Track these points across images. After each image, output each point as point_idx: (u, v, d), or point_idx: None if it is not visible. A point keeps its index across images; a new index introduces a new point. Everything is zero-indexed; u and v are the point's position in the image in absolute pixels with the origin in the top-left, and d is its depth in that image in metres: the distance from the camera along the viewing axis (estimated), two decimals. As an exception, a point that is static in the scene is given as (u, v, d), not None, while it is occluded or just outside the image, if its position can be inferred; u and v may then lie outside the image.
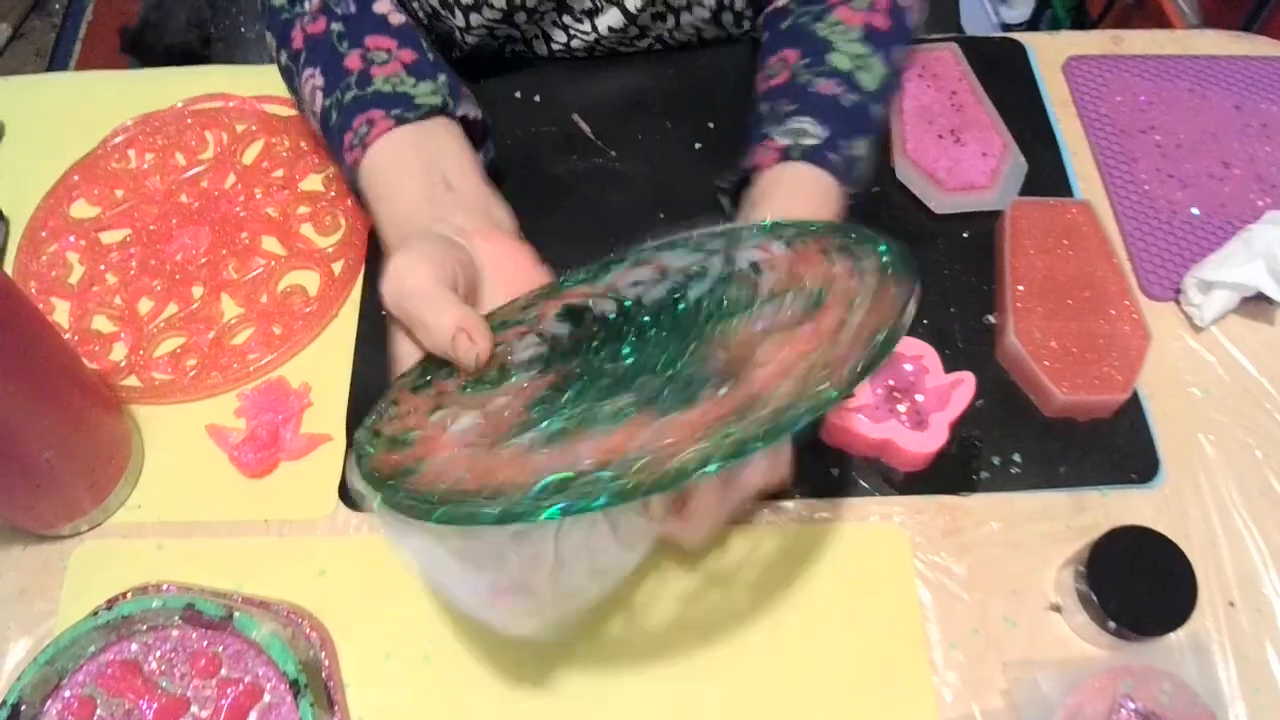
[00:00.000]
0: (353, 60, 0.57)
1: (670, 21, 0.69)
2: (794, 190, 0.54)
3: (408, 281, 0.44)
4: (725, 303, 0.42)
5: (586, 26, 0.69)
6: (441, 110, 0.56)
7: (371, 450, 0.42)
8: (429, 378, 0.45)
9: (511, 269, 0.50)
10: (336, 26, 0.58)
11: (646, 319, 0.44)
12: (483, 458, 0.38)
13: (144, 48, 0.90)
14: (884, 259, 0.41)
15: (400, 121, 0.54)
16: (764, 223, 0.47)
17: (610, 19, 0.68)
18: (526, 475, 0.35)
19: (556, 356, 0.43)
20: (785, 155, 0.54)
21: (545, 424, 0.38)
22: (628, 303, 0.45)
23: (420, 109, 0.55)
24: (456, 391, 0.44)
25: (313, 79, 0.58)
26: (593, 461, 0.34)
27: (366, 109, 0.55)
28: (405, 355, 0.47)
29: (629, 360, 0.41)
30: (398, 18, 0.60)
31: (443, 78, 0.58)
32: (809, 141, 0.54)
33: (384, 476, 0.39)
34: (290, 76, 0.62)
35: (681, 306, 0.43)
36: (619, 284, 0.47)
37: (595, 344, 0.43)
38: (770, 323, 0.40)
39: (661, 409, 0.36)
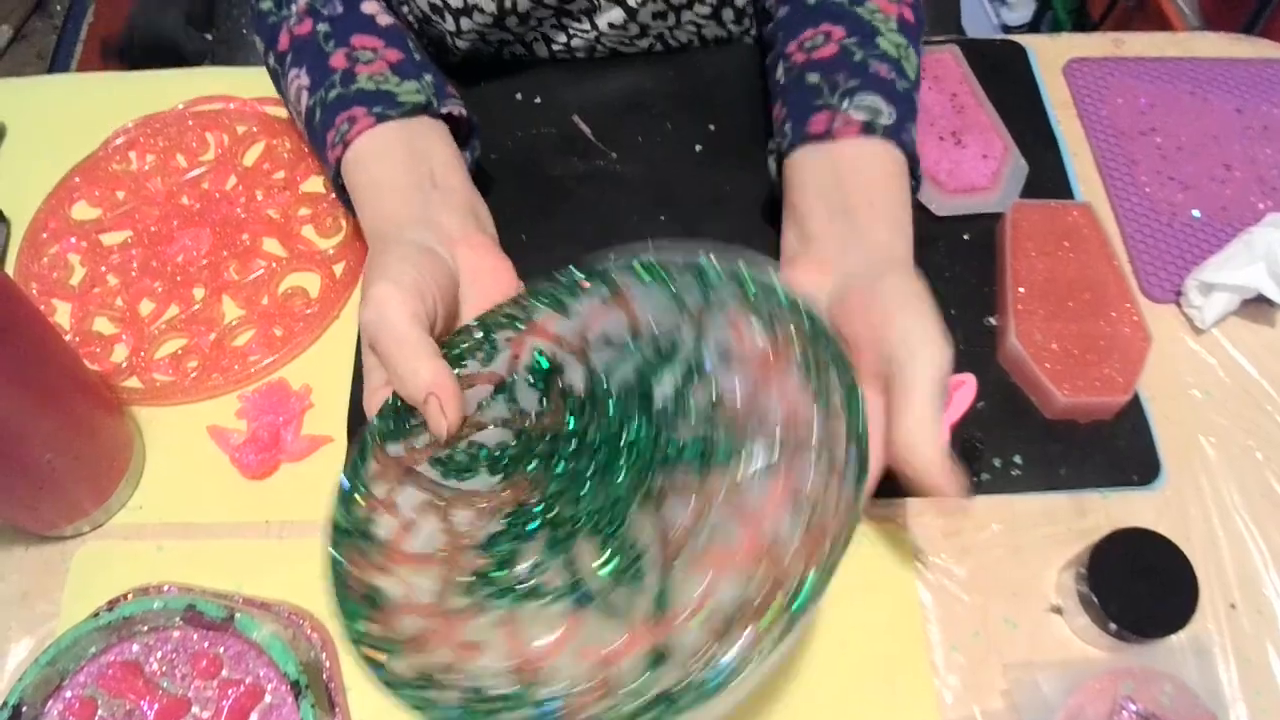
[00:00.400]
0: (338, 59, 0.57)
1: (671, 19, 0.69)
2: (893, 184, 0.53)
3: (386, 316, 0.43)
4: (681, 447, 0.42)
5: (586, 25, 0.69)
6: (425, 108, 0.56)
7: (346, 535, 0.43)
8: (405, 425, 0.45)
9: (491, 283, 0.51)
10: (323, 27, 0.59)
11: (610, 411, 0.44)
12: (438, 615, 0.40)
13: (134, 52, 0.90)
14: (850, 402, 0.40)
15: (381, 119, 0.54)
16: (745, 282, 0.45)
17: (611, 16, 0.68)
18: (470, 660, 0.38)
19: (521, 453, 0.44)
20: (867, 129, 0.53)
21: (491, 594, 0.40)
22: (599, 379, 0.45)
23: (403, 106, 0.54)
24: (427, 463, 0.45)
25: (298, 79, 0.58)
26: (516, 676, 0.37)
27: (349, 106, 0.54)
28: (373, 368, 0.47)
29: (585, 491, 0.42)
30: (385, 19, 0.60)
31: (428, 77, 0.57)
32: (884, 120, 0.53)
33: (354, 599, 0.41)
34: (278, 78, 0.62)
35: (637, 432, 0.43)
36: (590, 329, 0.46)
37: (555, 455, 0.43)
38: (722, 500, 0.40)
39: (594, 616, 0.39)
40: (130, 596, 0.51)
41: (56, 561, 0.54)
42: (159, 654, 0.49)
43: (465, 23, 0.65)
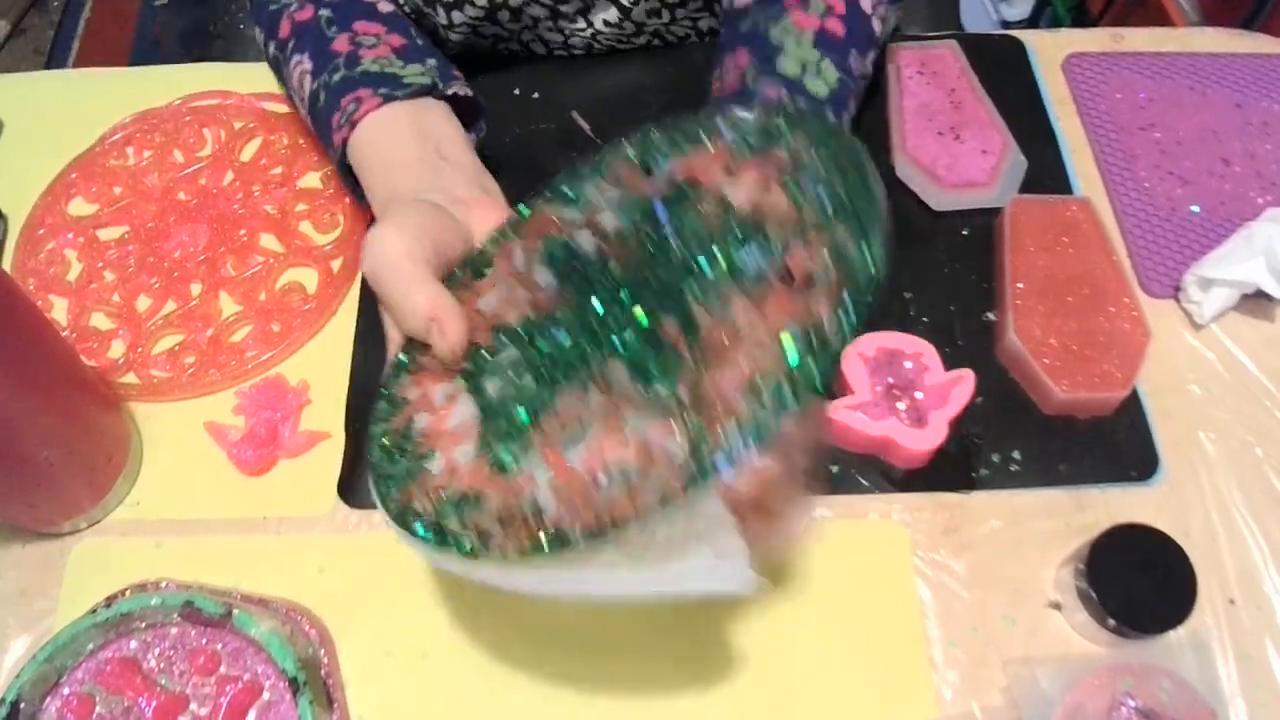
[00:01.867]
0: (341, 44, 0.57)
1: (666, 16, 0.69)
2: None
3: (382, 253, 0.43)
4: (699, 240, 0.41)
5: (582, 24, 0.69)
6: (430, 90, 0.55)
7: (390, 472, 0.42)
8: (412, 354, 0.45)
9: None
10: (325, 13, 0.59)
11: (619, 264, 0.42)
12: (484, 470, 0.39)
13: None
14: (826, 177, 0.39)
15: (388, 100, 0.54)
16: (731, 114, 0.44)
17: (606, 14, 0.68)
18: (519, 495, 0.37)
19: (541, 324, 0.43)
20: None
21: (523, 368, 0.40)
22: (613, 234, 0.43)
23: (409, 88, 0.54)
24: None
25: (301, 64, 0.58)
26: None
27: (354, 88, 0.54)
28: (390, 325, 0.46)
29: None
30: (386, 5, 0.60)
31: (431, 61, 0.57)
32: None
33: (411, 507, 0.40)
34: (279, 66, 0.62)
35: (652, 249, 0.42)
36: (596, 209, 0.45)
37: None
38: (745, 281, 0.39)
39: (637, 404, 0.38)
40: (128, 593, 0.51)
41: (54, 558, 0.54)
42: (157, 651, 0.49)
43: (457, 15, 0.65)
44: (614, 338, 0.40)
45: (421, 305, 0.42)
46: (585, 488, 0.37)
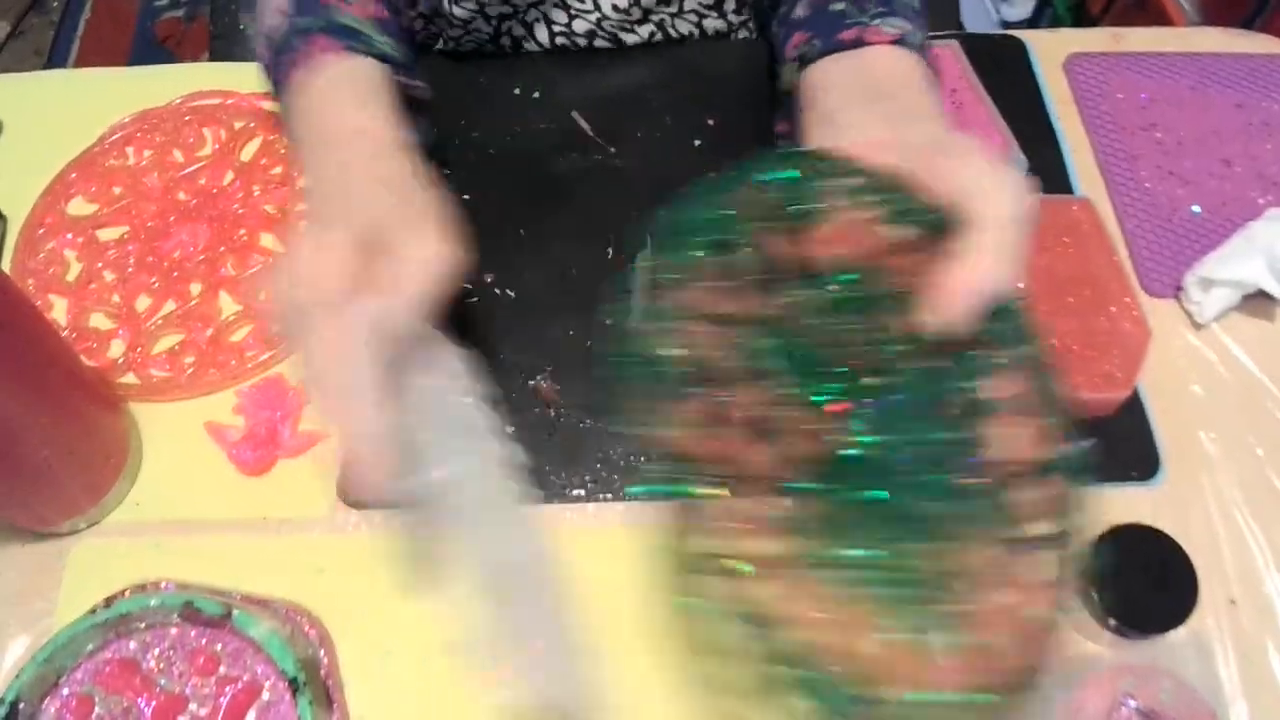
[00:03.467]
0: None
1: (674, 5, 0.69)
2: (919, 76, 0.50)
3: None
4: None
5: (589, 5, 0.68)
6: (395, 64, 0.53)
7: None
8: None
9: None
10: None
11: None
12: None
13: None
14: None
15: (351, 51, 0.51)
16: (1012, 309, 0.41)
17: None
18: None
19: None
20: (900, 42, 0.50)
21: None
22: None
23: (375, 49, 0.51)
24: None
25: (279, 3, 0.54)
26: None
27: (320, 34, 0.51)
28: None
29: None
30: None
31: (403, 46, 0.55)
32: (916, 40, 0.51)
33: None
34: (260, 7, 0.57)
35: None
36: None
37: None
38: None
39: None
40: (127, 593, 0.51)
41: (53, 558, 0.54)
42: (156, 651, 0.49)
43: None
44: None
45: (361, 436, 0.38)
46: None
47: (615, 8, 0.68)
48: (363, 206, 0.43)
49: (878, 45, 0.50)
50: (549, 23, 0.70)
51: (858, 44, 0.51)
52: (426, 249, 0.42)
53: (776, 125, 0.58)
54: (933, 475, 0.39)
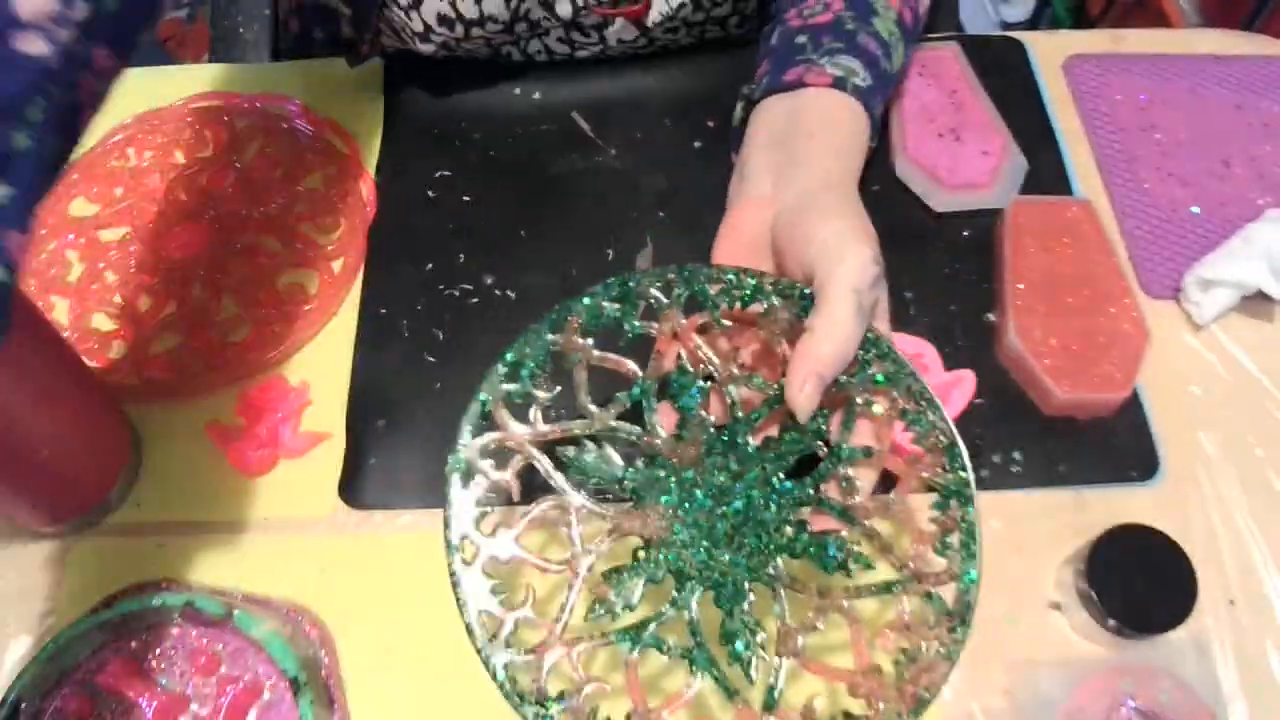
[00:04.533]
0: None
1: (682, 33, 0.69)
2: (841, 123, 0.53)
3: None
4: (810, 545, 0.43)
5: (594, 39, 0.68)
6: None
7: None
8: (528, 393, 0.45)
9: None
10: None
11: (753, 470, 0.44)
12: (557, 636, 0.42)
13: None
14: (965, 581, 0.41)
15: None
16: (891, 371, 0.44)
17: (621, 32, 0.68)
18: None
19: (651, 480, 0.44)
20: (838, 84, 0.53)
21: (614, 634, 0.42)
22: (739, 424, 0.45)
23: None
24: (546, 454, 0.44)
25: None
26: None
27: None
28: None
29: (710, 548, 0.43)
30: None
31: None
32: (859, 82, 0.53)
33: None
34: None
35: (773, 508, 0.44)
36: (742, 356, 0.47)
37: (687, 496, 0.44)
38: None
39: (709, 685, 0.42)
40: (128, 593, 0.51)
41: (55, 558, 0.54)
42: (157, 651, 0.49)
43: (475, 31, 0.64)
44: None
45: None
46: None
47: (621, 40, 0.68)
48: None
49: (813, 87, 0.53)
50: (551, 53, 0.70)
51: (798, 85, 0.53)
52: None
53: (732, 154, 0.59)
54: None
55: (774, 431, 0.45)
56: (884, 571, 0.43)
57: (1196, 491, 0.55)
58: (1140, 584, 0.48)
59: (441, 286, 0.62)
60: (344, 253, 0.64)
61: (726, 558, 0.42)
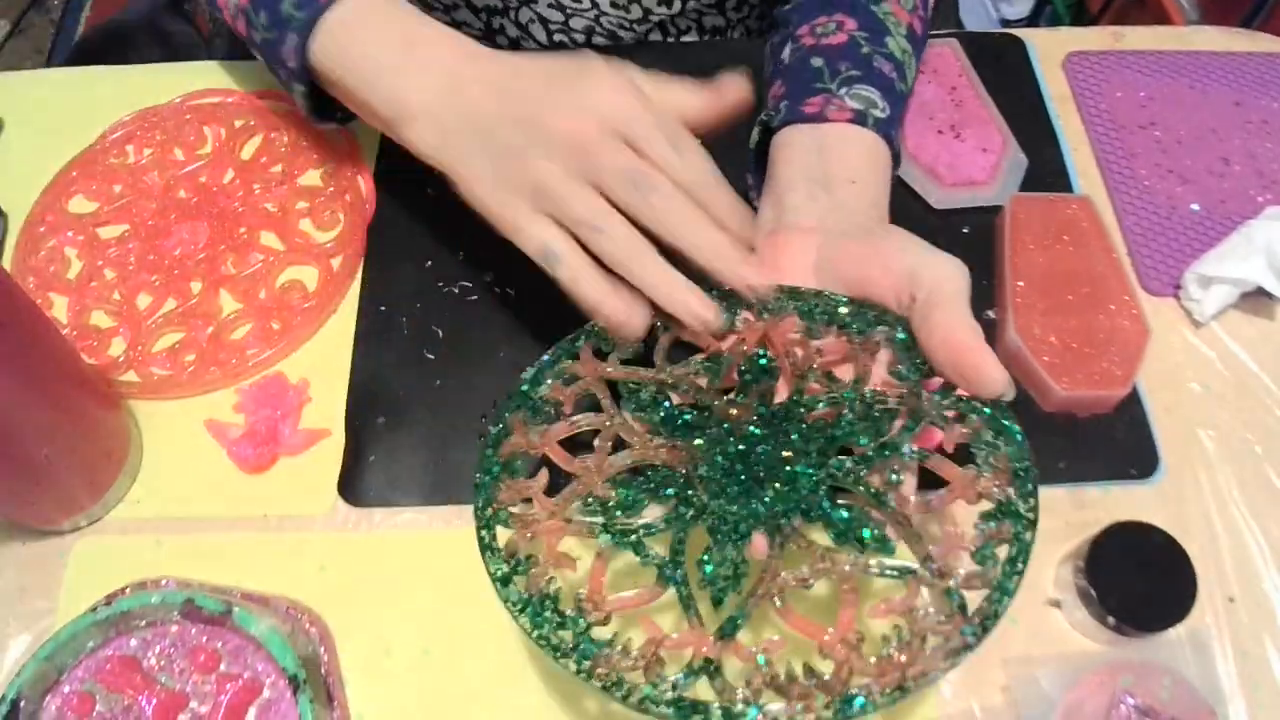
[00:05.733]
0: None
1: (676, 6, 0.69)
2: (875, 168, 0.53)
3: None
4: (828, 513, 0.43)
5: (586, 2, 0.68)
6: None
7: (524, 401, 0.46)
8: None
9: None
10: None
11: (793, 438, 0.44)
12: (555, 515, 0.43)
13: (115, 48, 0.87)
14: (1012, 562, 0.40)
15: None
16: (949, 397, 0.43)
17: None
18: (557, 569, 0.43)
19: (696, 423, 0.45)
20: (859, 118, 0.53)
21: (601, 526, 0.43)
22: (799, 404, 0.45)
23: None
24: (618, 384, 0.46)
25: None
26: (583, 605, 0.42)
27: None
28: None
29: (729, 491, 0.43)
30: None
31: None
32: (878, 114, 0.54)
33: (499, 459, 0.45)
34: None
35: (804, 473, 0.43)
36: (820, 356, 0.46)
37: (724, 445, 0.44)
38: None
39: (671, 597, 0.42)
40: (128, 591, 0.51)
41: (54, 556, 0.54)
42: (157, 649, 0.49)
43: None
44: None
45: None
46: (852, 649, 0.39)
47: (613, 4, 0.68)
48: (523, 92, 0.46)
49: (836, 123, 0.53)
50: (545, 22, 0.70)
51: (819, 118, 0.53)
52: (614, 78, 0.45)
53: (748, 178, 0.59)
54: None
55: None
56: (904, 557, 0.42)
57: (1196, 489, 0.55)
58: (1139, 581, 0.48)
59: (441, 284, 0.62)
60: (343, 250, 0.64)
61: (739, 503, 0.43)
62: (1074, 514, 0.54)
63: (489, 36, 0.71)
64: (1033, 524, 0.40)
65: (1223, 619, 0.51)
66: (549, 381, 0.46)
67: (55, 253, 0.65)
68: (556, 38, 0.72)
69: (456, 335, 0.61)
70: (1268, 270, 0.58)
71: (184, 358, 0.60)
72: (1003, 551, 0.40)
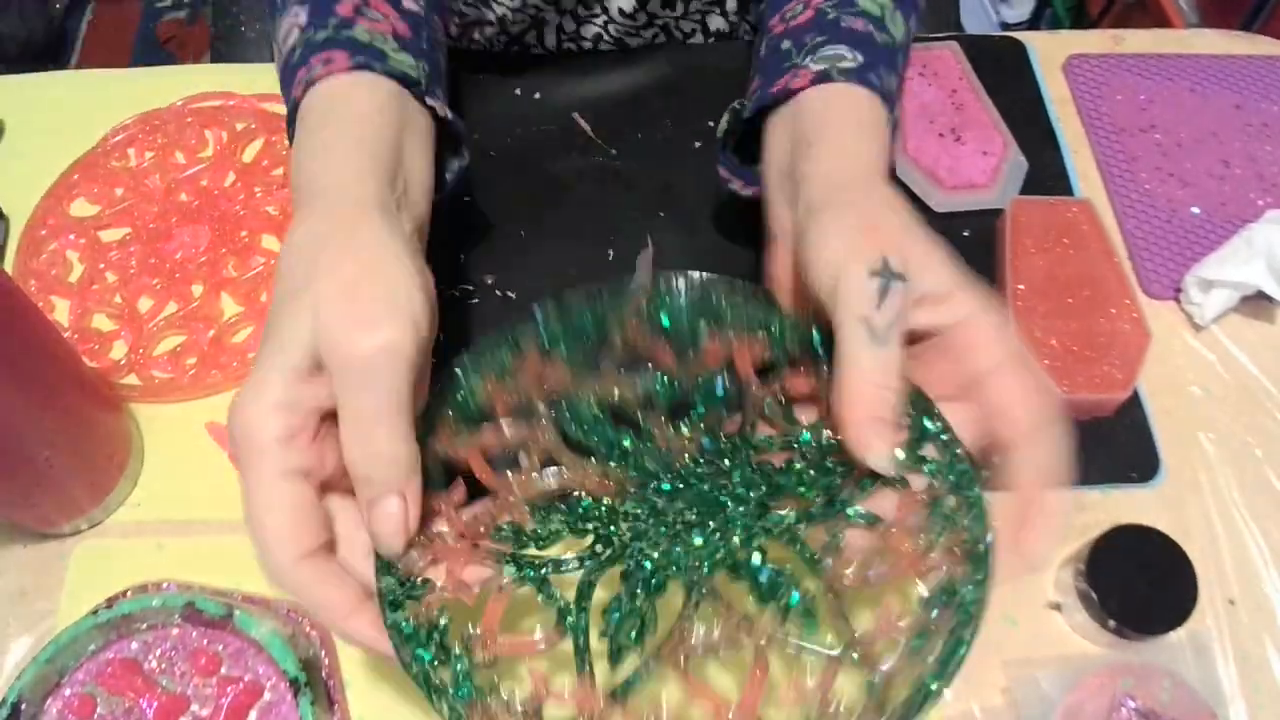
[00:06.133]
0: (345, 8, 0.50)
1: (679, 9, 0.69)
2: (840, 114, 0.48)
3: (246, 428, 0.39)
4: (751, 568, 0.39)
5: (597, 9, 0.69)
6: (413, 85, 0.48)
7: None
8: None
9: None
10: None
11: (737, 476, 0.41)
12: (464, 538, 0.40)
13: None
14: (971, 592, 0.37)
15: (360, 69, 0.46)
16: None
17: (622, 2, 0.68)
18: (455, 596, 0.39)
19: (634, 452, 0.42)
20: (821, 77, 0.48)
21: (508, 558, 0.40)
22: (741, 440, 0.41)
23: (390, 69, 0.47)
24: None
25: (295, 19, 0.51)
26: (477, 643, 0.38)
27: (331, 48, 0.47)
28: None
29: (651, 534, 0.40)
30: (412, 4, 0.54)
31: (425, 65, 0.50)
32: (846, 64, 0.49)
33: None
34: (276, 18, 0.54)
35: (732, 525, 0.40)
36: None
37: (655, 480, 0.41)
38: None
39: (567, 645, 0.38)
40: (129, 594, 0.51)
41: (55, 559, 0.54)
42: (158, 651, 0.49)
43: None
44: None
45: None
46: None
47: (621, 11, 0.68)
48: (311, 307, 0.41)
49: (802, 90, 0.49)
50: (560, 30, 0.70)
51: (786, 94, 0.50)
52: (371, 356, 0.38)
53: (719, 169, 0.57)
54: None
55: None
56: (827, 631, 0.38)
57: (1196, 492, 0.55)
58: (1140, 584, 0.48)
59: (441, 286, 0.62)
60: (344, 253, 0.64)
61: (662, 548, 0.39)
62: (1075, 517, 0.54)
63: (506, 44, 0.71)
64: (976, 620, 0.36)
65: (1223, 621, 0.51)
66: (482, 379, 0.42)
67: (57, 256, 0.65)
68: (566, 45, 0.72)
69: (457, 338, 0.61)
70: (1268, 274, 0.58)
71: (185, 361, 0.60)
72: (937, 644, 0.36)
